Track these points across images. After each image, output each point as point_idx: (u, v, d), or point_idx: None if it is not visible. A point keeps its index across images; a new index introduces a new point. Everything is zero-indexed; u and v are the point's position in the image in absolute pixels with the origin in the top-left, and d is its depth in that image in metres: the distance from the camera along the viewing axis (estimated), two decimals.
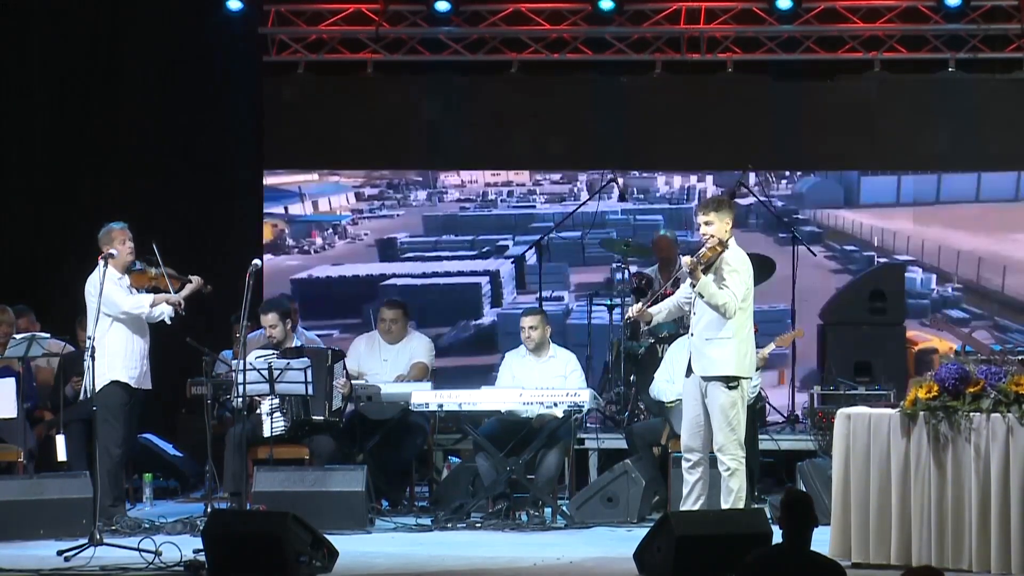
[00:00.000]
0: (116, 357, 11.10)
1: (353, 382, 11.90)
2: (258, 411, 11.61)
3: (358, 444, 12.03)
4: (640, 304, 10.41)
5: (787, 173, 15.35)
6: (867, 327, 13.24)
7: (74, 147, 14.46)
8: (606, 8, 14.66)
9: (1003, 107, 14.68)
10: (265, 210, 15.33)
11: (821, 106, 14.92)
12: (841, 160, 15.14)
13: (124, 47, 14.58)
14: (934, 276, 15.11)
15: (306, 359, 11.30)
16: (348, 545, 9.90)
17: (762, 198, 14.39)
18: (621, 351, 12.96)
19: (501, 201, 15.60)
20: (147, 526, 11.01)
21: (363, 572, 9.55)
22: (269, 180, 15.34)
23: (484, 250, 15.59)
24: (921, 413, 9.22)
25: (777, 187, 15.27)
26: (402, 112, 15.15)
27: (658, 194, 15.54)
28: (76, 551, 9.82)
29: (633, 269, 13.51)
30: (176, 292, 11.24)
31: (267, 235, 15.40)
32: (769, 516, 9.71)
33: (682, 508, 10.04)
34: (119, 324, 11.18)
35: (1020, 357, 11.47)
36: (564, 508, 11.53)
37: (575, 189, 15.55)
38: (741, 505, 9.95)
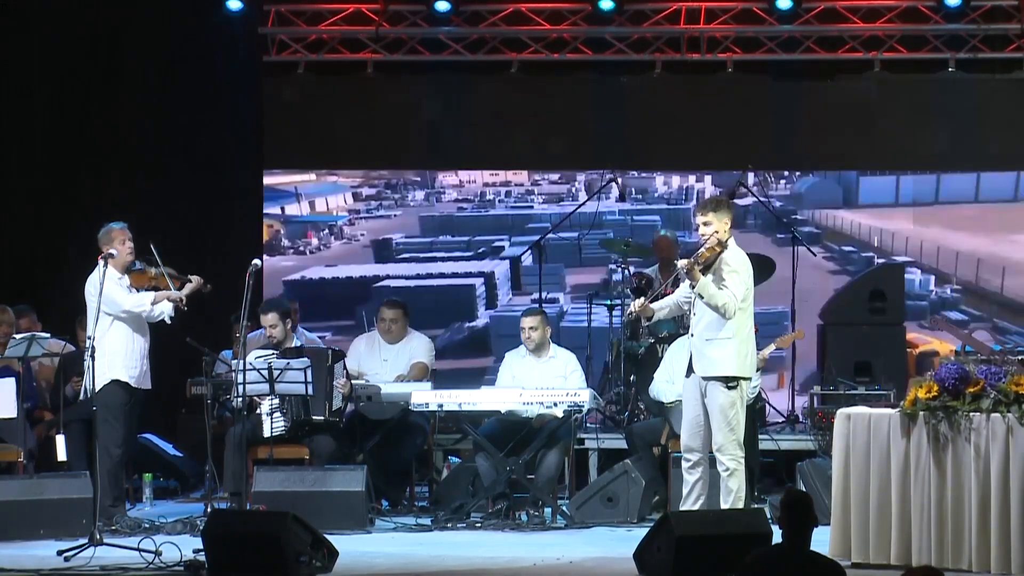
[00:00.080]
0: (116, 356, 11.10)
1: (353, 382, 11.90)
2: (258, 411, 11.62)
3: (358, 444, 12.03)
4: (643, 299, 10.40)
5: (786, 173, 15.35)
6: (867, 327, 13.24)
7: (74, 147, 14.47)
8: (606, 8, 14.66)
9: (1003, 107, 14.69)
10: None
11: (821, 106, 14.92)
12: (841, 160, 15.14)
13: (124, 47, 14.58)
14: (932, 278, 15.10)
15: (306, 359, 11.30)
16: (348, 545, 9.90)
17: (762, 198, 14.39)
18: (621, 351, 12.96)
19: (499, 201, 15.59)
20: (147, 526, 11.01)
21: (363, 572, 9.55)
22: (266, 180, 15.32)
23: (480, 251, 15.57)
24: (921, 413, 9.22)
25: (775, 187, 15.27)
26: (402, 112, 15.15)
27: (656, 194, 15.54)
28: (76, 551, 9.83)
29: (633, 270, 13.50)
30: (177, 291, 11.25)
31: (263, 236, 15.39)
32: (769, 516, 9.71)
33: (682, 508, 10.05)
34: (119, 323, 11.18)
35: (1020, 357, 11.48)
36: (564, 508, 11.53)
37: (573, 189, 15.54)
38: (741, 505, 9.95)
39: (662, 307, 10.41)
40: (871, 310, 13.29)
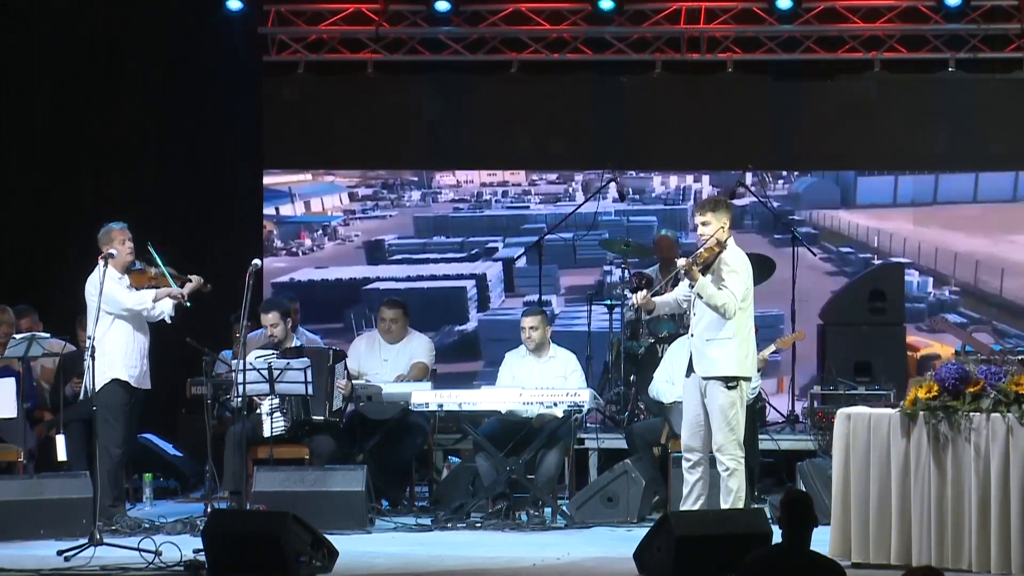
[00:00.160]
0: (116, 355, 11.10)
1: (353, 382, 11.90)
2: (258, 411, 11.62)
3: (358, 444, 12.04)
4: (644, 291, 10.37)
5: (784, 173, 15.34)
6: (867, 327, 13.23)
7: (74, 147, 14.46)
8: (606, 8, 14.66)
9: (1003, 107, 14.68)
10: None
11: (821, 106, 14.91)
12: (841, 160, 15.14)
13: (124, 47, 14.57)
14: (931, 279, 15.09)
15: (306, 359, 11.30)
16: (348, 545, 9.90)
17: (762, 199, 14.39)
18: (621, 351, 12.96)
19: (496, 202, 15.57)
20: (147, 526, 11.01)
21: (363, 572, 9.55)
22: (264, 180, 15.30)
23: (473, 252, 15.53)
24: (921, 413, 9.23)
25: (773, 187, 15.26)
26: (402, 112, 15.15)
27: (653, 194, 15.52)
28: (76, 551, 9.83)
29: (632, 271, 13.49)
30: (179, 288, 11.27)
31: None
32: (769, 516, 9.71)
33: (682, 508, 10.05)
34: (120, 322, 11.18)
35: (1020, 357, 11.48)
36: (564, 508, 11.54)
37: (570, 189, 15.52)
38: (741, 505, 9.96)
39: (664, 302, 10.40)
40: (871, 310, 13.28)
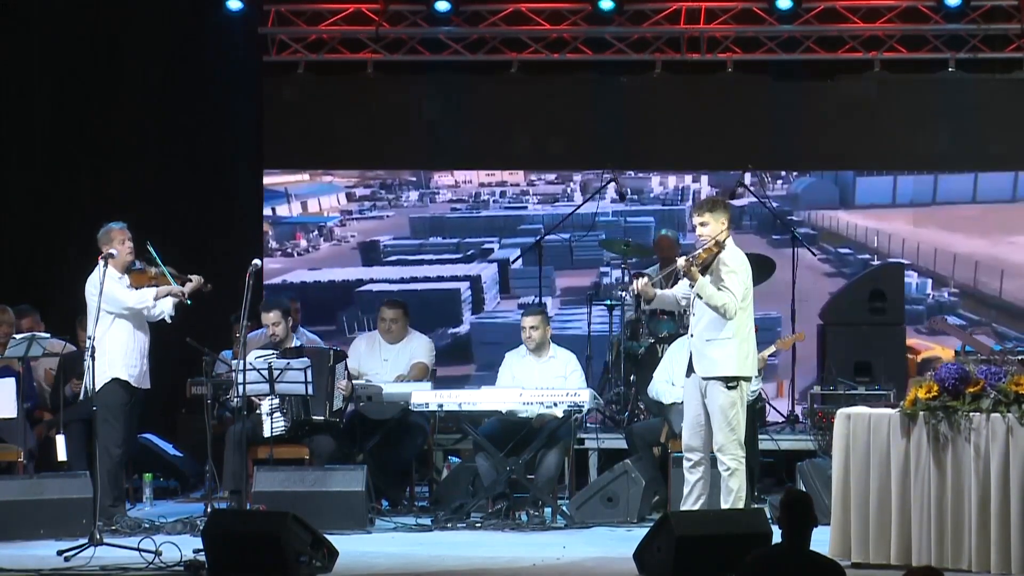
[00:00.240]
0: (116, 355, 11.10)
1: (353, 382, 11.90)
2: (258, 411, 11.62)
3: (358, 444, 12.04)
4: (645, 278, 10.34)
5: (783, 173, 15.34)
6: (867, 327, 13.23)
7: (74, 147, 14.46)
8: (606, 8, 14.66)
9: (1003, 107, 14.69)
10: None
11: (820, 106, 14.92)
12: (841, 160, 15.14)
13: (124, 47, 14.57)
14: (930, 281, 15.08)
15: (306, 359, 11.30)
16: (348, 545, 9.90)
17: (761, 199, 14.39)
18: (621, 351, 12.96)
19: (493, 202, 15.55)
20: (147, 526, 11.01)
21: (363, 572, 9.55)
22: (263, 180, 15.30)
23: (469, 253, 15.51)
24: (921, 413, 9.23)
25: (772, 187, 15.26)
26: (402, 112, 15.15)
27: (652, 194, 15.52)
28: (76, 551, 9.83)
29: (632, 271, 13.49)
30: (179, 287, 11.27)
31: None
32: (769, 516, 9.71)
33: (682, 508, 10.05)
34: (120, 322, 11.18)
35: (1020, 357, 11.48)
36: (564, 508, 11.54)
37: (568, 190, 15.52)
38: (741, 505, 9.95)
39: (664, 296, 10.39)
40: (871, 310, 13.28)
